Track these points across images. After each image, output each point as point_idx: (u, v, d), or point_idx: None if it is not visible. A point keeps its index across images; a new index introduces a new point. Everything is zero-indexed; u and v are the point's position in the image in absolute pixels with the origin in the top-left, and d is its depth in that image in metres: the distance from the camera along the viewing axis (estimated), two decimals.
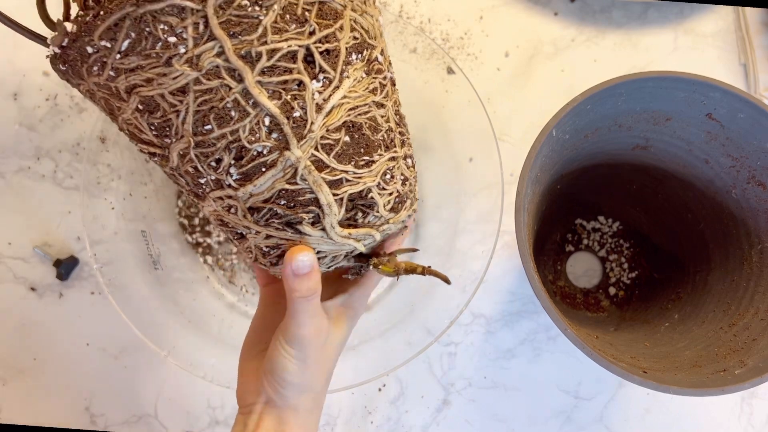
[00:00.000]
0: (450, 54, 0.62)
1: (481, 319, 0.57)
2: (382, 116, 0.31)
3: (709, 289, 0.49)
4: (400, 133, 0.33)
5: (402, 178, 0.33)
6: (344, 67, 0.28)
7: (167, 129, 0.28)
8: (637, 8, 0.64)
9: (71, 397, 0.55)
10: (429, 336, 0.50)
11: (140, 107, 0.28)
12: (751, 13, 0.63)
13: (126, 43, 0.27)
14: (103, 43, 0.27)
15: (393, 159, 0.32)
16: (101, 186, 0.52)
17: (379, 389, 0.56)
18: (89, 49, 0.28)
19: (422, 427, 0.55)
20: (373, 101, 0.30)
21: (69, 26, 0.29)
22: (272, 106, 0.27)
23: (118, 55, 0.27)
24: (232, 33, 0.26)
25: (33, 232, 0.57)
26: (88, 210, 0.50)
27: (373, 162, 0.31)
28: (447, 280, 0.37)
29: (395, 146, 0.32)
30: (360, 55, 0.29)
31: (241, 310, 0.56)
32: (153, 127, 0.28)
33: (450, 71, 0.56)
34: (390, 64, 0.33)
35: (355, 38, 0.29)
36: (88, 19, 0.27)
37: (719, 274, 0.48)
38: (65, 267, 0.56)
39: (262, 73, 0.27)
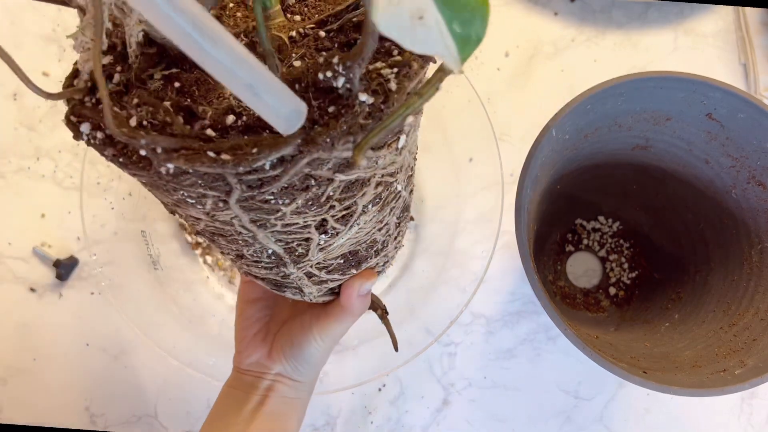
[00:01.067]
0: None
1: (481, 319, 0.57)
2: (383, 232, 0.32)
3: (709, 289, 0.49)
4: (397, 224, 0.35)
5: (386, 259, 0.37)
6: (357, 218, 0.29)
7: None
8: (637, 8, 0.64)
9: (71, 397, 0.55)
10: (429, 336, 0.50)
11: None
12: (751, 13, 0.63)
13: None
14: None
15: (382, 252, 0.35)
16: (101, 186, 0.52)
17: (379, 389, 0.56)
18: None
19: (422, 427, 0.55)
20: (378, 229, 0.31)
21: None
22: (277, 248, 0.29)
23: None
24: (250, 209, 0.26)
25: (33, 232, 0.57)
26: (87, 210, 0.50)
27: (360, 266, 0.35)
28: (395, 344, 0.43)
29: (382, 248, 0.35)
30: (377, 203, 0.29)
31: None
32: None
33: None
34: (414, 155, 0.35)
35: (376, 194, 0.28)
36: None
37: (719, 274, 0.48)
38: (65, 267, 0.56)
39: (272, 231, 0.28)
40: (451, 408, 0.56)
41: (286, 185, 0.24)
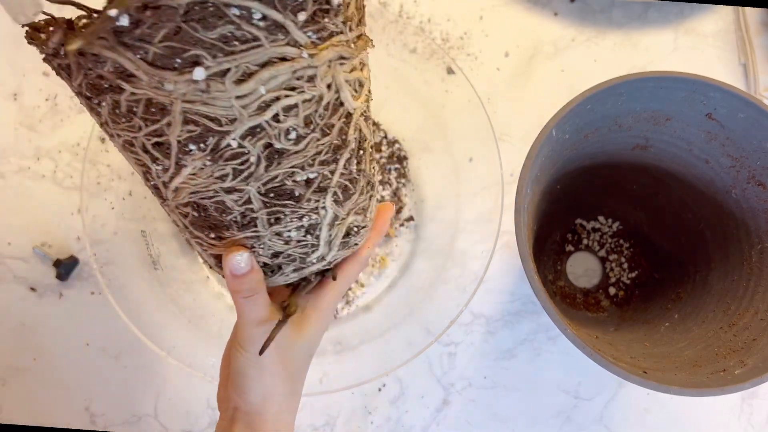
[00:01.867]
0: (450, 54, 0.62)
1: (481, 319, 0.57)
2: (236, 200, 0.31)
3: (709, 289, 0.49)
4: (272, 212, 0.32)
5: (270, 252, 0.33)
6: (180, 156, 0.29)
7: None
8: (637, 8, 0.64)
9: (71, 397, 0.55)
10: (429, 336, 0.50)
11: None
12: (751, 13, 0.63)
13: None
14: None
15: (254, 238, 0.33)
16: (101, 186, 0.52)
17: (379, 389, 0.56)
18: None
19: (422, 427, 0.55)
20: (221, 187, 0.30)
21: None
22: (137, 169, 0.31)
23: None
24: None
25: (33, 232, 0.57)
26: (87, 210, 0.50)
27: (223, 238, 0.32)
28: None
29: (255, 226, 0.32)
30: (200, 146, 0.29)
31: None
32: None
33: (450, 71, 0.56)
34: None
35: (190, 130, 0.28)
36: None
37: (719, 274, 0.48)
38: (65, 267, 0.56)
39: (123, 148, 0.30)
40: (451, 408, 0.56)
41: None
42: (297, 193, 0.31)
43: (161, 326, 0.50)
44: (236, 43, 0.25)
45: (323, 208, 0.32)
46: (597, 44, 0.63)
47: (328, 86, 0.28)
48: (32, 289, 0.56)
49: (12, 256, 0.57)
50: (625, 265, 0.59)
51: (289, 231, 0.32)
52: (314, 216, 0.32)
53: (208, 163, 0.29)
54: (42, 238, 0.57)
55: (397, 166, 0.59)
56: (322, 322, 0.36)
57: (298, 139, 0.29)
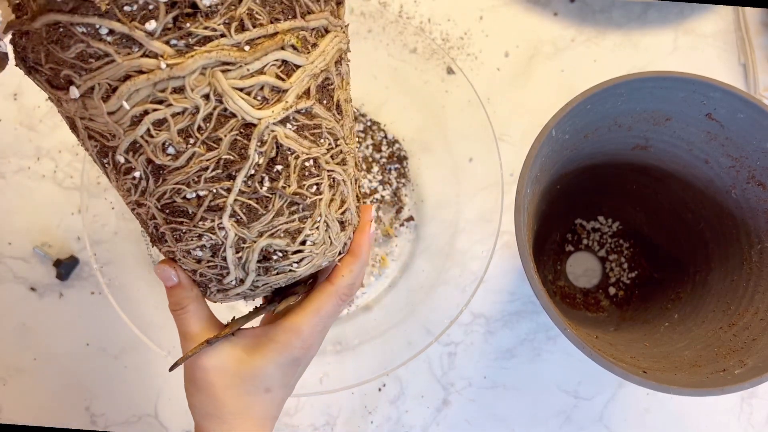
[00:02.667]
0: (450, 54, 0.62)
1: (481, 319, 0.57)
2: (145, 214, 0.31)
3: (708, 289, 0.49)
4: (172, 228, 0.31)
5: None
6: (103, 169, 0.31)
7: None
8: (637, 8, 0.64)
9: (71, 397, 0.55)
10: (429, 336, 0.50)
11: None
12: (751, 13, 0.63)
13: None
14: None
15: (171, 252, 0.32)
16: (101, 186, 0.52)
17: (379, 389, 0.56)
18: None
19: (422, 427, 0.55)
20: (131, 201, 0.30)
21: None
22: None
23: None
24: None
25: (33, 232, 0.57)
26: (88, 210, 0.50)
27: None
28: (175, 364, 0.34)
29: (166, 241, 0.31)
30: (104, 160, 0.29)
31: (241, 310, 0.56)
32: None
33: (450, 71, 0.56)
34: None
35: (94, 145, 0.28)
36: None
37: (719, 274, 0.48)
38: (65, 267, 0.56)
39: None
40: (451, 408, 0.56)
41: None
42: (190, 211, 0.29)
43: (161, 326, 0.50)
44: (92, 60, 0.25)
45: (221, 228, 0.29)
46: (597, 44, 0.64)
47: (206, 96, 0.26)
48: (32, 289, 0.56)
49: (12, 256, 0.57)
50: (625, 265, 0.59)
51: (195, 250, 0.30)
52: (212, 236, 0.29)
53: (115, 177, 0.29)
54: (42, 238, 0.57)
55: (397, 166, 0.60)
56: (275, 355, 0.32)
57: (177, 154, 0.27)
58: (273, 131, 0.28)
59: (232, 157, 0.28)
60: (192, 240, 0.30)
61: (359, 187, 0.36)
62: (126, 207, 0.53)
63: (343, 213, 0.32)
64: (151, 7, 0.24)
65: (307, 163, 0.30)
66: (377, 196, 0.58)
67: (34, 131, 0.59)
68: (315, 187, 0.30)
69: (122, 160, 0.28)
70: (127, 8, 0.24)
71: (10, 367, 0.55)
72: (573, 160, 0.49)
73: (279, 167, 0.29)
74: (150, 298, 0.51)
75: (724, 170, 0.46)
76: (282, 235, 0.30)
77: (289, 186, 0.29)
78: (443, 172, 0.58)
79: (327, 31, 0.29)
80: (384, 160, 0.59)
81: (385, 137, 0.60)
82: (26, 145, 0.59)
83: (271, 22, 0.26)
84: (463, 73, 0.54)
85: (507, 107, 0.62)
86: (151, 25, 0.24)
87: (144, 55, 0.25)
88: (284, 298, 0.34)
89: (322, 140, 0.30)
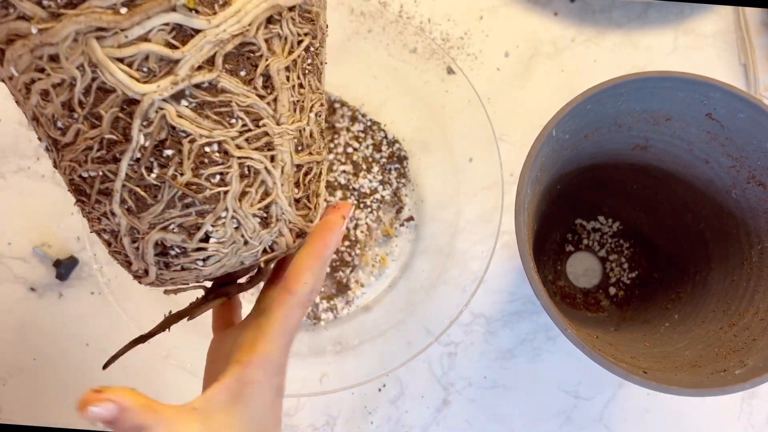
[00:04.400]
0: (450, 54, 0.62)
1: (481, 319, 0.57)
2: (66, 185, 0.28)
3: (709, 289, 0.49)
4: (79, 205, 0.29)
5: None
6: None
7: None
8: (637, 8, 0.64)
9: (71, 397, 0.55)
10: (429, 336, 0.50)
11: None
12: (751, 13, 0.63)
13: None
14: None
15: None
16: None
17: (379, 389, 0.56)
18: None
19: (422, 427, 0.55)
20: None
21: None
22: None
23: None
24: None
25: (33, 232, 0.57)
26: None
27: None
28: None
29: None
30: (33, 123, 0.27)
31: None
32: None
33: (450, 71, 0.56)
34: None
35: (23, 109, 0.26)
36: None
37: (719, 274, 0.48)
38: (65, 267, 0.56)
39: None
40: (451, 408, 0.56)
41: None
42: (87, 191, 0.26)
43: None
44: None
45: (113, 214, 0.26)
46: (597, 44, 0.63)
47: (81, 67, 0.22)
48: (32, 289, 0.56)
49: (12, 256, 0.57)
50: (625, 265, 0.59)
51: (101, 233, 0.28)
52: (108, 222, 0.27)
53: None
54: (42, 238, 0.57)
55: (397, 166, 0.59)
56: (260, 399, 0.28)
57: (64, 129, 0.25)
58: (161, 109, 0.24)
59: (115, 137, 0.24)
60: (95, 222, 0.28)
61: (325, 173, 0.31)
62: None
63: (265, 208, 0.28)
64: None
65: (207, 149, 0.25)
66: (377, 196, 0.58)
67: (34, 131, 0.59)
68: (218, 177, 0.26)
69: (33, 128, 0.26)
70: None
71: (10, 367, 0.55)
72: (573, 160, 0.49)
73: (169, 152, 0.25)
74: (150, 298, 0.51)
75: (724, 170, 0.46)
76: (176, 229, 0.26)
77: (181, 174, 0.25)
78: (443, 172, 0.58)
79: None
80: (384, 160, 0.59)
81: (385, 137, 0.60)
82: (26, 145, 0.59)
83: None
84: (463, 73, 0.54)
85: (507, 107, 0.62)
86: None
87: (18, 17, 0.22)
88: (216, 297, 0.32)
89: (232, 120, 0.25)
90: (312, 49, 0.28)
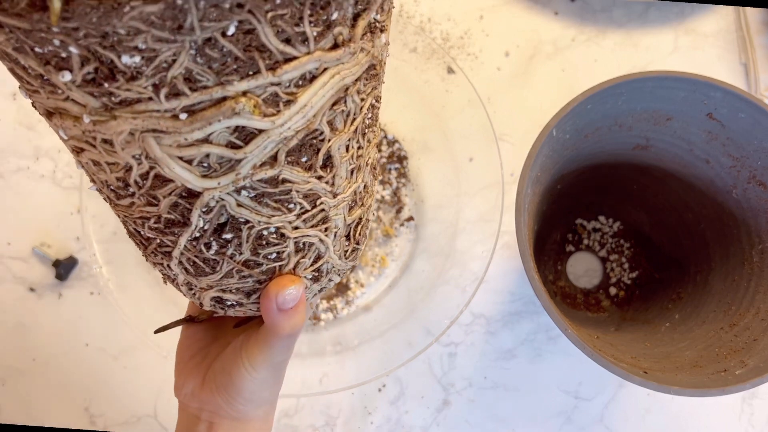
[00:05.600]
0: (450, 53, 0.62)
1: (482, 319, 0.57)
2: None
3: (709, 289, 0.49)
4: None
5: None
6: None
7: None
8: (637, 8, 0.64)
9: (71, 397, 0.55)
10: (429, 336, 0.50)
11: None
12: (752, 12, 0.63)
13: None
14: None
15: None
16: None
17: (379, 389, 0.56)
18: None
19: (422, 428, 0.55)
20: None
21: None
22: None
23: None
24: None
25: (32, 232, 0.57)
26: (87, 210, 0.50)
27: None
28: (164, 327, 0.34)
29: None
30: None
31: None
32: None
33: (450, 71, 0.56)
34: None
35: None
36: None
37: (720, 274, 0.48)
38: (64, 267, 0.56)
39: None
40: (451, 408, 0.56)
41: None
42: (143, 243, 0.27)
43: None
44: (30, 80, 0.22)
45: (169, 268, 0.27)
46: (597, 44, 0.63)
47: (137, 157, 0.22)
48: (31, 289, 0.56)
49: (11, 256, 0.57)
50: (626, 266, 0.58)
51: (153, 264, 0.29)
52: (164, 270, 0.28)
53: None
54: (41, 238, 0.57)
55: (397, 166, 0.59)
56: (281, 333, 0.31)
57: (118, 196, 0.25)
58: (222, 200, 0.23)
59: (173, 217, 0.24)
60: (149, 256, 0.28)
61: (366, 220, 0.31)
62: None
63: (317, 270, 0.29)
64: (63, 55, 0.19)
65: (265, 232, 0.25)
66: (377, 196, 0.58)
67: (33, 131, 0.59)
68: (275, 255, 0.26)
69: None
70: (38, 50, 0.19)
71: (10, 368, 0.55)
72: (573, 159, 0.49)
73: (228, 235, 0.25)
74: (150, 298, 0.51)
75: (725, 170, 0.46)
76: (234, 291, 0.28)
77: (240, 254, 0.26)
78: (443, 172, 0.58)
79: (319, 73, 0.22)
80: (384, 160, 0.59)
81: (385, 137, 0.60)
82: (25, 145, 0.59)
83: (220, 84, 0.20)
84: (464, 73, 0.54)
85: (507, 107, 0.61)
86: (65, 76, 0.20)
87: (68, 99, 0.21)
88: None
89: (291, 206, 0.25)
90: (375, 102, 0.27)
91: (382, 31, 0.24)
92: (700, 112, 0.44)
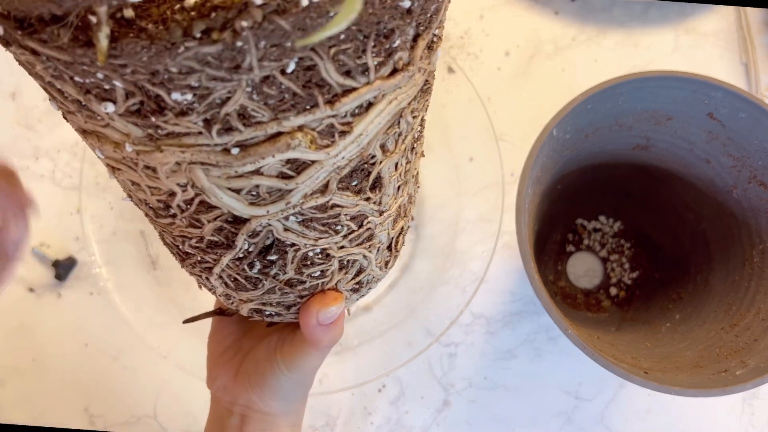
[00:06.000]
0: (450, 53, 0.62)
1: (482, 319, 0.57)
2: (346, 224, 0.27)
3: (710, 289, 0.49)
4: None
5: None
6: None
7: None
8: (638, 7, 0.64)
9: (70, 397, 0.55)
10: (429, 336, 0.50)
11: None
12: (753, 12, 0.63)
13: None
14: None
15: None
16: (100, 186, 0.52)
17: (379, 390, 0.56)
18: None
19: (422, 428, 0.55)
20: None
21: None
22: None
23: None
24: None
25: (31, 232, 0.57)
26: (86, 210, 0.50)
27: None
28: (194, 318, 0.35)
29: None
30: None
31: None
32: None
33: (450, 70, 0.56)
34: None
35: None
36: None
37: (720, 275, 0.48)
38: (64, 267, 0.55)
39: None
40: (452, 408, 0.55)
41: None
42: (180, 255, 0.27)
43: (161, 327, 0.50)
44: (66, 101, 0.21)
45: (208, 280, 0.27)
46: (598, 43, 0.63)
47: (182, 185, 0.21)
48: (31, 289, 0.56)
49: None
50: (626, 266, 0.58)
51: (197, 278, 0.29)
52: (202, 280, 0.28)
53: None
54: (41, 238, 0.57)
55: None
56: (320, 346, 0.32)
57: (157, 215, 0.24)
58: (269, 225, 0.23)
59: (217, 240, 0.24)
60: (191, 273, 0.28)
61: (407, 228, 0.31)
62: (125, 207, 0.53)
63: (358, 282, 0.29)
64: (106, 87, 0.18)
65: (310, 253, 0.25)
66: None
67: (33, 131, 0.59)
68: (319, 273, 0.26)
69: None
70: (78, 79, 0.18)
71: (9, 368, 0.55)
72: (574, 159, 0.49)
73: (273, 257, 0.24)
74: (149, 299, 0.51)
75: (725, 170, 0.46)
76: (274, 304, 0.28)
77: (284, 274, 0.25)
78: (443, 172, 0.58)
79: (378, 101, 0.21)
80: None
81: None
82: (25, 145, 0.59)
83: (275, 119, 0.19)
84: (464, 73, 0.54)
85: (508, 107, 0.61)
86: (107, 108, 0.18)
87: (108, 126, 0.20)
88: None
89: (338, 228, 0.25)
90: (425, 117, 0.26)
91: (438, 45, 0.23)
92: (700, 112, 0.44)
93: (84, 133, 0.21)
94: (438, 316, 0.51)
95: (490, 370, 0.56)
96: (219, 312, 0.34)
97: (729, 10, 0.64)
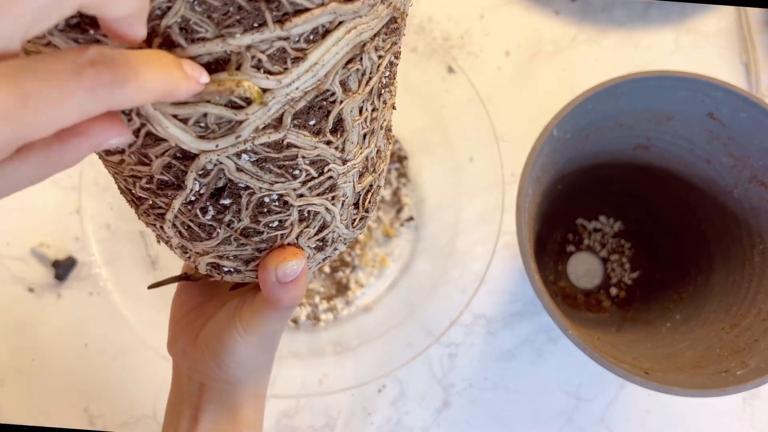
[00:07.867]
0: (450, 53, 0.62)
1: (482, 319, 0.57)
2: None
3: (710, 289, 0.49)
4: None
5: None
6: None
7: None
8: (638, 7, 0.64)
9: (70, 398, 0.55)
10: (429, 337, 0.50)
11: None
12: (753, 12, 0.63)
13: None
14: None
15: None
16: (100, 186, 0.52)
17: (379, 390, 0.56)
18: None
19: (422, 429, 0.55)
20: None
21: None
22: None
23: None
24: None
25: (31, 233, 0.57)
26: (86, 210, 0.50)
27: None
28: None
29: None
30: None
31: None
32: None
33: (450, 70, 0.56)
34: None
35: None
36: None
37: (721, 275, 0.48)
38: (63, 267, 0.55)
39: None
40: (452, 409, 0.55)
41: None
42: (135, 202, 0.26)
43: (161, 327, 0.50)
44: None
45: (163, 230, 0.26)
46: (598, 43, 0.63)
47: (126, 113, 0.20)
48: (30, 289, 0.56)
49: (10, 256, 0.57)
50: (627, 266, 0.58)
51: (147, 224, 0.28)
52: (157, 230, 0.27)
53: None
54: (40, 238, 0.57)
55: (397, 165, 0.59)
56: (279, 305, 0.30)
57: (106, 152, 0.23)
58: (219, 163, 0.22)
59: (167, 179, 0.22)
60: (142, 216, 0.26)
61: (378, 187, 0.29)
62: (124, 207, 0.53)
63: (321, 239, 0.27)
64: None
65: (266, 199, 0.24)
66: (377, 196, 0.58)
67: None
68: (276, 223, 0.25)
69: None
70: None
71: (9, 368, 0.55)
72: (574, 159, 0.49)
73: (226, 201, 0.23)
74: (149, 299, 0.51)
75: (726, 170, 0.46)
76: (231, 258, 0.26)
77: (238, 221, 0.24)
78: (443, 172, 0.58)
79: (333, 27, 0.20)
80: None
81: None
82: None
83: (220, 36, 0.18)
84: (464, 73, 0.54)
85: (508, 106, 0.61)
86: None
87: (49, 44, 0.19)
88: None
89: (296, 172, 0.23)
90: (394, 59, 0.25)
91: None
92: (701, 111, 0.44)
93: (27, 54, 0.21)
94: (438, 316, 0.51)
95: (490, 371, 0.56)
96: (185, 277, 0.33)
97: (729, 9, 0.64)
